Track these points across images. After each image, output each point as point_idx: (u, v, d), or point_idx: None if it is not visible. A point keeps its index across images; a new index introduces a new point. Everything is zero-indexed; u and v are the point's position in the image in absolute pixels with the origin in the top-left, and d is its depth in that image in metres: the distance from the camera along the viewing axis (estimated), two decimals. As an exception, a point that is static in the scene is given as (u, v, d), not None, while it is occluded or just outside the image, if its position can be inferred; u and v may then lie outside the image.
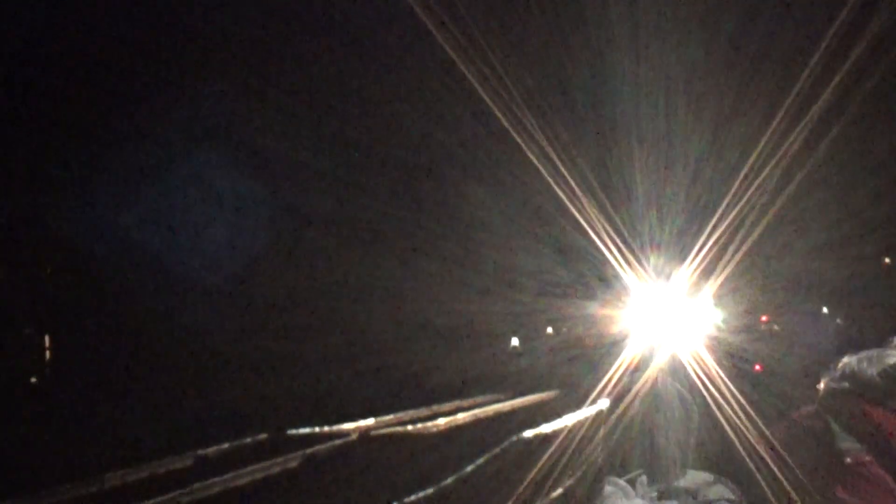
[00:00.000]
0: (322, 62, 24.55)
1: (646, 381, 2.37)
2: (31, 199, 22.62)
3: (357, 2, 24.46)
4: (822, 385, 2.77)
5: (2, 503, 11.41)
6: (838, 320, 23.04)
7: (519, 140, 13.76)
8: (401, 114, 24.12)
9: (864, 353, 2.72)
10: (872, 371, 2.64)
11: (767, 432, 2.66)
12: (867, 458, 2.50)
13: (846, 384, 2.63)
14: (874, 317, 20.24)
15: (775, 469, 2.49)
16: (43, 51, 22.30)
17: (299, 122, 25.02)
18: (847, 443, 2.54)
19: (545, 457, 10.11)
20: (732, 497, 2.16)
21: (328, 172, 24.27)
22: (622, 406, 2.35)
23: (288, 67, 25.01)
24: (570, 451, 10.03)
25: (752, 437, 2.72)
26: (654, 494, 2.14)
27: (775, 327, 21.27)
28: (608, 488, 2.09)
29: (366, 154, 26.04)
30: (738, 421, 2.91)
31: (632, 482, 2.12)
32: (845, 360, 2.72)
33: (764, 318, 21.69)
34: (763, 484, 2.49)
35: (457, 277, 24.35)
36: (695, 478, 2.22)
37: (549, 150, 14.06)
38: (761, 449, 2.59)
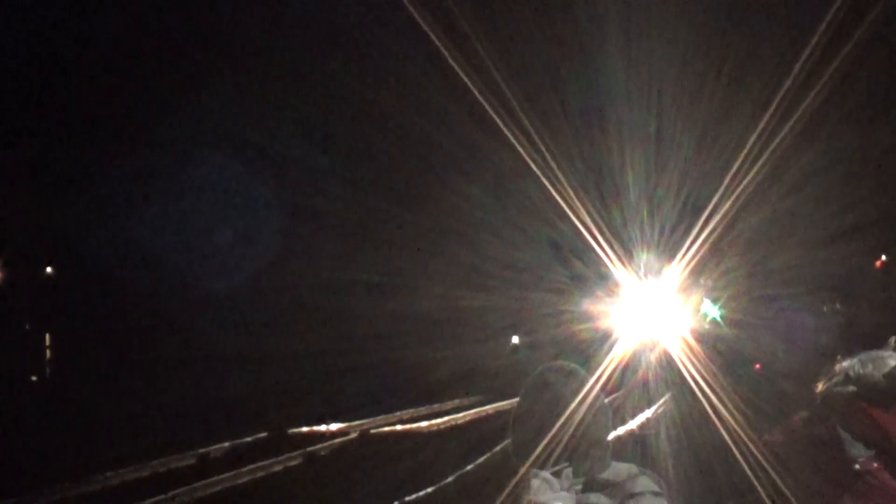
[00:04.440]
0: (322, 66, 24.58)
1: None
2: (32, 199, 22.65)
3: (357, 7, 24.47)
4: (820, 388, 2.71)
5: (2, 503, 11.41)
6: (839, 317, 23.00)
7: (516, 143, 13.80)
8: (402, 117, 24.19)
9: (864, 356, 2.67)
10: (878, 374, 2.59)
11: (765, 438, 2.63)
12: (875, 465, 2.46)
13: (851, 387, 2.59)
14: (875, 313, 20.21)
15: (774, 476, 2.47)
16: (48, 52, 22.32)
17: (301, 124, 25.07)
18: (855, 449, 2.50)
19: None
20: (657, 489, 2.13)
21: (330, 173, 24.32)
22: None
23: (289, 72, 25.02)
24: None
25: (748, 440, 2.70)
26: (579, 487, 2.10)
27: (776, 325, 21.20)
28: (534, 481, 2.07)
29: (367, 156, 26.09)
30: (733, 424, 2.90)
31: (557, 474, 2.10)
32: (846, 363, 2.67)
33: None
34: (762, 491, 2.48)
35: (458, 276, 24.39)
36: (619, 470, 2.16)
37: (546, 152, 14.10)
38: (758, 454, 2.57)
